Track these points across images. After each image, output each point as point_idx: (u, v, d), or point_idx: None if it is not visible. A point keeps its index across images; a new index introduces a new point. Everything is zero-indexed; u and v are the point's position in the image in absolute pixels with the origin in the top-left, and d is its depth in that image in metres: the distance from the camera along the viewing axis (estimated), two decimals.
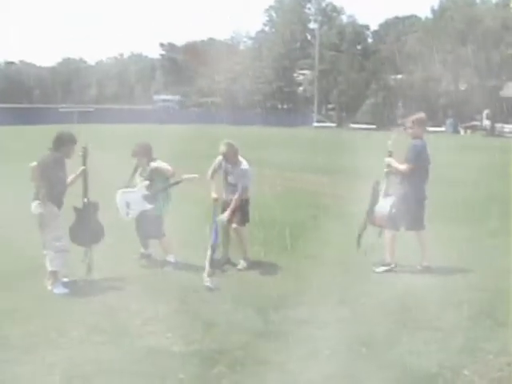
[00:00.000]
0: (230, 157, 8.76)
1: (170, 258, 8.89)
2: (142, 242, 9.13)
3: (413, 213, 8.55)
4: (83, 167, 7.97)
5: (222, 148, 8.74)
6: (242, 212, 8.89)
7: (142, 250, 9.14)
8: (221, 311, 6.84)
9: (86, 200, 7.93)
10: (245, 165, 8.83)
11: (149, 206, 8.68)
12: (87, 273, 7.97)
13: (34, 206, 7.50)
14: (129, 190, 8.85)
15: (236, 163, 8.81)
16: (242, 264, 8.83)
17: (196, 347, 5.85)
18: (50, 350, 5.71)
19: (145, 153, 8.84)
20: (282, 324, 6.49)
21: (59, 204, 7.60)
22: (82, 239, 7.94)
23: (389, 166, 8.67)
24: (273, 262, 8.99)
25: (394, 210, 8.49)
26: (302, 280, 8.05)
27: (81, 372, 5.29)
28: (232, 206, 8.69)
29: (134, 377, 5.24)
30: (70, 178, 7.88)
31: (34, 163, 7.49)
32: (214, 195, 8.86)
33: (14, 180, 12.83)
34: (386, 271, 8.53)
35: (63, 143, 7.64)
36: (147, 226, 8.83)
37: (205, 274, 8.00)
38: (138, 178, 8.92)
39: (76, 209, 8.00)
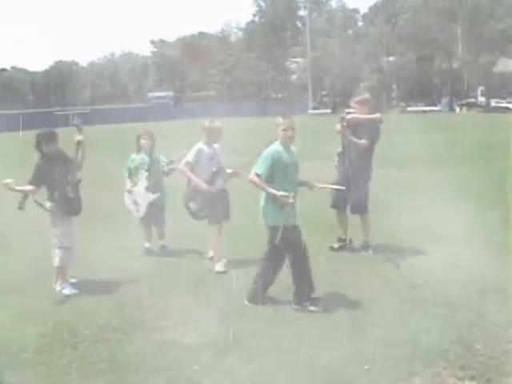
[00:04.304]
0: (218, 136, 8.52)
1: (163, 244, 9.38)
2: (145, 233, 9.36)
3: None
4: (79, 137, 7.64)
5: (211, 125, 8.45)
6: (220, 205, 8.40)
7: (147, 245, 9.33)
8: None
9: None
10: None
11: (153, 197, 9.00)
12: None
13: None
14: (133, 188, 9.12)
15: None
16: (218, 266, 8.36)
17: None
18: None
19: (150, 137, 9.21)
20: None
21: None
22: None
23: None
24: None
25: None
26: None
27: None
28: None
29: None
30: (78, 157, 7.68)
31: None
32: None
33: None
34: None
35: (42, 143, 7.46)
36: (153, 216, 9.15)
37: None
38: (139, 175, 9.13)
39: None
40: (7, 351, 5.78)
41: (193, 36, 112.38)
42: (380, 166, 9.82)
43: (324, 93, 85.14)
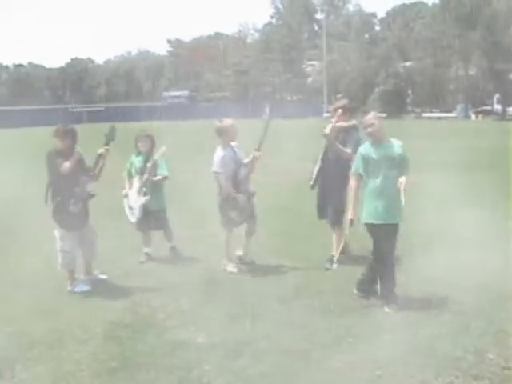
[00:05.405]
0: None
1: (173, 245, 9.09)
2: (144, 238, 9.05)
3: None
4: (101, 150, 7.48)
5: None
6: (251, 207, 8.43)
7: (145, 250, 8.98)
8: None
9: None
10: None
11: (143, 199, 8.65)
12: None
13: None
14: (128, 192, 8.88)
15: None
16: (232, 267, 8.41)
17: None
18: None
19: (148, 138, 8.88)
20: None
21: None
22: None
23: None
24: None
25: None
26: None
27: None
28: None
29: None
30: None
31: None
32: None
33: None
34: None
35: (56, 135, 7.39)
36: (149, 220, 8.83)
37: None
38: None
39: None
40: (19, 346, 5.81)
41: (209, 36, 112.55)
42: None
43: (339, 96, 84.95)
